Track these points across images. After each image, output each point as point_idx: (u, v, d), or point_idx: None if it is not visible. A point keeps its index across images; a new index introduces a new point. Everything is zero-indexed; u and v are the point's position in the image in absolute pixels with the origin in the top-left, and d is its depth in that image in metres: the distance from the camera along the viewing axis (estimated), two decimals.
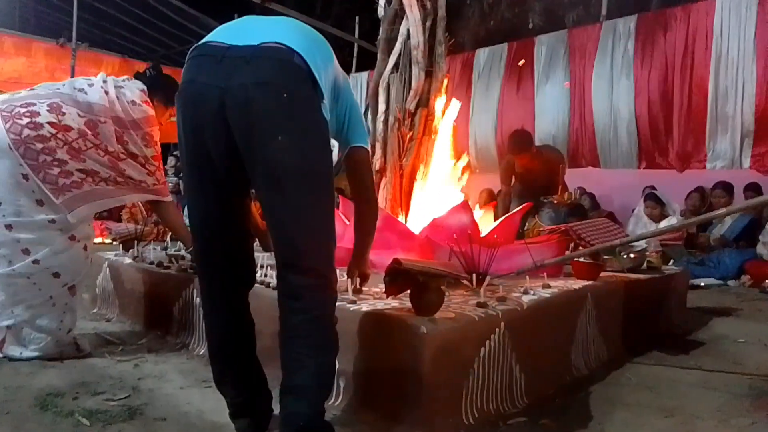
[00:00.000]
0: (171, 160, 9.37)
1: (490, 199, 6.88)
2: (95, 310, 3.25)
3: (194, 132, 1.52)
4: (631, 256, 3.10)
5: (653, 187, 6.67)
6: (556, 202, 4.62)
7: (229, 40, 1.51)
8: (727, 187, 5.77)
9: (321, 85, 1.51)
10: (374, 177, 2.01)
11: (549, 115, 7.81)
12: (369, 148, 1.87)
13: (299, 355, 1.46)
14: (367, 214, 1.94)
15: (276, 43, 1.47)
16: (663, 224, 5.32)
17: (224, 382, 1.69)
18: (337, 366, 1.61)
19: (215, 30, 1.60)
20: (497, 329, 1.95)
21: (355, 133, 1.80)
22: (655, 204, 5.63)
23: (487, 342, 1.91)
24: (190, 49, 1.57)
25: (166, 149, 12.03)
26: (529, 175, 4.92)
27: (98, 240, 6.87)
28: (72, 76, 8.15)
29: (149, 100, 2.58)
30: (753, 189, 5.85)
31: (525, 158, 4.88)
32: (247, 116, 1.44)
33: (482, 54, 8.69)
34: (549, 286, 2.40)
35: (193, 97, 1.51)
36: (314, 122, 1.50)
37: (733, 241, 5.46)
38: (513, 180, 5.07)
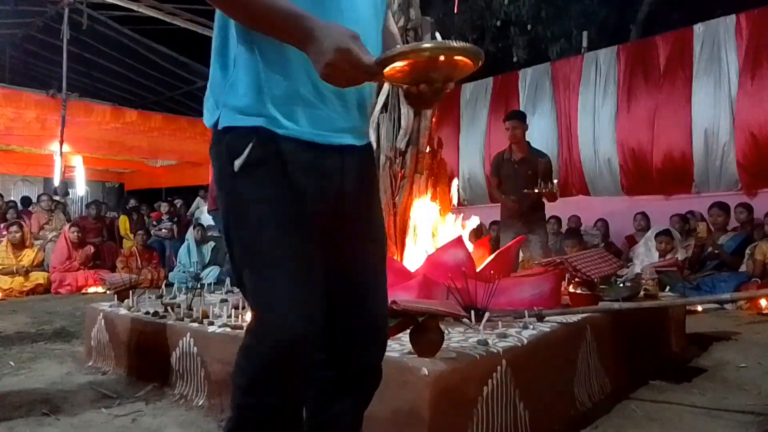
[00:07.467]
0: (164, 206, 9.37)
1: (479, 236, 6.89)
2: (90, 363, 3.20)
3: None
4: (627, 284, 3.11)
5: (644, 214, 6.73)
6: (537, 191, 4.62)
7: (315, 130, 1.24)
8: (723, 207, 5.84)
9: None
10: None
11: (537, 146, 7.90)
12: None
13: None
14: None
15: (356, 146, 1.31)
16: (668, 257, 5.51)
17: None
18: None
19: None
20: (499, 367, 1.94)
21: None
22: (670, 239, 5.76)
23: (490, 380, 1.90)
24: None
25: (158, 195, 12.03)
26: (515, 176, 4.96)
27: (92, 290, 6.81)
28: (63, 126, 8.19)
29: None
30: (744, 207, 5.94)
31: (517, 127, 5.06)
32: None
33: (468, 88, 8.84)
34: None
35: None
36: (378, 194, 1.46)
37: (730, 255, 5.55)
38: (499, 181, 5.16)
